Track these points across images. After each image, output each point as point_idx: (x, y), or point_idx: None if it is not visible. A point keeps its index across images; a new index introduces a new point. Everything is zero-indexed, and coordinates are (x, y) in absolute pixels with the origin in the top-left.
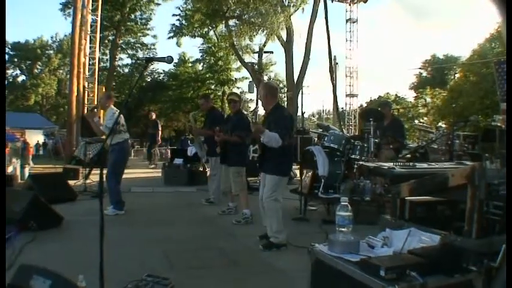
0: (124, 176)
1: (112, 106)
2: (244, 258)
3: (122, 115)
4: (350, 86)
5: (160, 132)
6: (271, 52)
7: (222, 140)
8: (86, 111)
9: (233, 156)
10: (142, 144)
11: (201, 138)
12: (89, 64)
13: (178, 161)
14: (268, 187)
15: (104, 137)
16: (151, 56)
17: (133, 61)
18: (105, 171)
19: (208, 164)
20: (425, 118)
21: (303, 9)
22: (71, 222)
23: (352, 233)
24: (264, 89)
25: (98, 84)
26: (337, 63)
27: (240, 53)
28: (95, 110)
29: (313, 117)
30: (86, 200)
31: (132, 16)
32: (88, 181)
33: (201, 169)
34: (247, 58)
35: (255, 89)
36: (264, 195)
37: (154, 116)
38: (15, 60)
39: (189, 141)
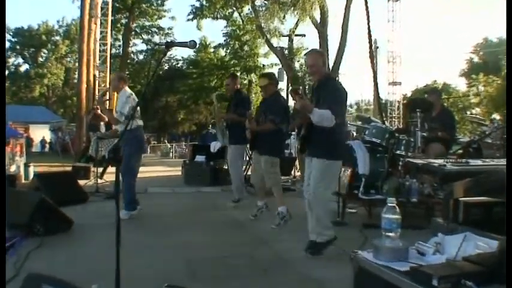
0: (139, 174)
1: (126, 88)
2: (276, 266)
3: (134, 99)
4: (393, 72)
5: None
6: (303, 35)
7: (253, 129)
8: (98, 106)
9: (266, 143)
10: (160, 139)
11: (224, 123)
12: (100, 51)
13: (200, 158)
14: (317, 174)
15: (119, 127)
16: (170, 41)
17: (150, 47)
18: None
19: None
20: (478, 109)
21: None
22: (82, 226)
23: (399, 238)
24: (317, 56)
25: (109, 73)
26: (377, 48)
27: (268, 36)
28: (106, 94)
29: (351, 108)
30: (98, 202)
31: None
32: (100, 181)
33: (226, 167)
34: (276, 42)
35: (285, 76)
36: (311, 183)
37: None
38: (18, 47)
39: (210, 126)
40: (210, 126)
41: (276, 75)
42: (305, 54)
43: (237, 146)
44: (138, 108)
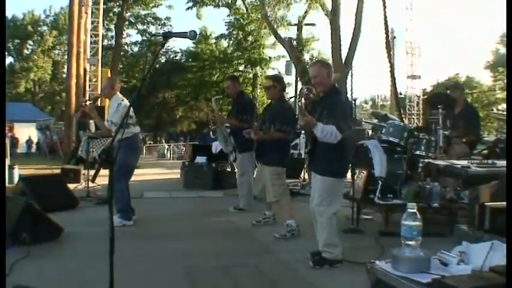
0: (134, 178)
1: (118, 94)
2: (283, 277)
3: (126, 105)
4: (411, 65)
5: None
6: (313, 25)
7: (259, 140)
8: (86, 100)
9: (271, 152)
10: (156, 139)
11: (227, 129)
12: (91, 42)
13: (200, 159)
14: (319, 191)
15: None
16: (167, 31)
17: (145, 38)
18: None
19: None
20: (504, 104)
21: None
22: (72, 234)
23: (420, 247)
24: (321, 67)
25: (101, 67)
26: (395, 38)
27: (275, 26)
28: (97, 100)
29: (366, 104)
30: (89, 208)
31: None
32: (92, 184)
33: (229, 169)
34: (284, 32)
35: (294, 69)
36: (314, 201)
37: None
38: None
39: (211, 132)
40: (211, 132)
41: (284, 68)
42: (309, 66)
43: (245, 154)
44: (133, 114)
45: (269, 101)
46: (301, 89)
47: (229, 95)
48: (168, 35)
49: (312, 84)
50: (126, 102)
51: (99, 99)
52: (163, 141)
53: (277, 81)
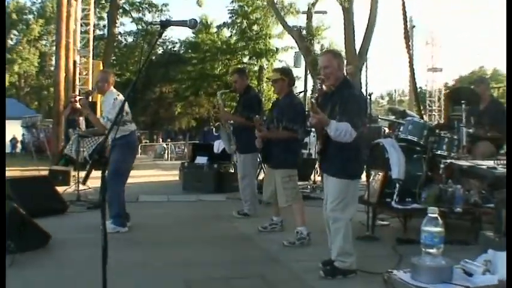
0: (129, 180)
1: (112, 89)
2: None
3: (121, 100)
4: (432, 57)
5: None
6: (325, 12)
7: (264, 137)
8: (76, 95)
9: (280, 153)
10: (153, 137)
11: (231, 127)
12: (81, 32)
13: (201, 159)
14: (333, 194)
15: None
16: (165, 19)
17: (142, 27)
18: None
19: None
20: None
21: None
22: (61, 241)
23: (442, 255)
24: (332, 57)
25: (93, 59)
26: (414, 27)
27: (282, 13)
28: (90, 95)
29: (382, 99)
30: (79, 213)
31: None
32: (82, 187)
33: (232, 170)
34: (292, 21)
35: (303, 61)
36: (328, 206)
37: None
38: None
39: (213, 130)
40: (214, 129)
41: (292, 60)
42: (318, 56)
43: (247, 155)
44: (129, 110)
45: (276, 97)
46: (317, 83)
47: (236, 90)
48: (166, 24)
49: (322, 76)
50: (121, 97)
51: (92, 94)
52: (161, 140)
53: (286, 74)
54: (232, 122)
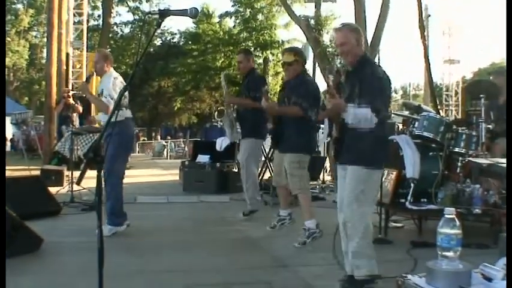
0: (126, 180)
1: (112, 69)
2: None
3: (122, 82)
4: (449, 48)
5: None
6: (334, 1)
7: (275, 113)
8: (68, 90)
9: (291, 136)
10: (151, 134)
11: (234, 112)
12: (74, 23)
13: (202, 158)
14: (352, 186)
15: (102, 117)
16: (164, 8)
17: (139, 17)
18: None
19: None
20: None
21: None
22: (54, 245)
23: (459, 259)
24: (349, 32)
25: (87, 51)
26: (429, 16)
27: (289, 2)
28: (91, 78)
29: (396, 93)
30: (74, 215)
31: None
32: (76, 188)
33: (236, 170)
34: (299, 10)
35: (311, 53)
36: (344, 198)
37: None
38: None
39: (215, 115)
40: (216, 114)
41: None
42: (334, 30)
43: (250, 140)
44: (127, 93)
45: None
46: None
47: (240, 70)
48: (165, 13)
49: (339, 54)
50: (121, 79)
51: (92, 77)
52: (160, 138)
53: (299, 55)
54: (236, 106)
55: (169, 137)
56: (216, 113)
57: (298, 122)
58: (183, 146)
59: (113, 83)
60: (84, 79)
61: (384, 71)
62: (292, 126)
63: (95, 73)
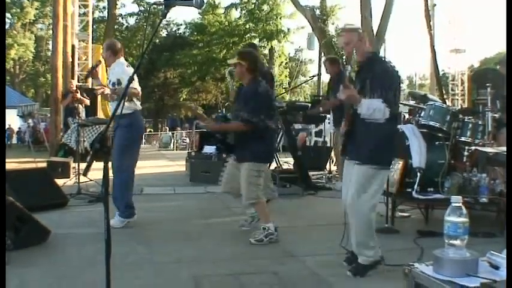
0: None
1: (122, 58)
2: (308, 285)
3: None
4: (455, 38)
5: None
6: None
7: (217, 130)
8: (76, 85)
9: (249, 144)
10: (157, 126)
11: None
12: (80, 14)
13: (209, 148)
14: (357, 183)
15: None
16: None
17: (144, 8)
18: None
19: None
20: None
21: None
22: (61, 237)
23: (466, 247)
24: (349, 32)
25: (92, 43)
26: (435, 5)
27: None
28: (98, 66)
29: (402, 83)
30: (80, 206)
31: None
32: (83, 179)
33: None
34: (305, 0)
35: (317, 43)
36: (349, 193)
37: None
38: None
39: (222, 109)
40: (224, 110)
41: (306, 42)
42: (336, 35)
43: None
44: (138, 86)
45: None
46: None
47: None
48: (170, 4)
49: (345, 55)
50: (131, 68)
51: (98, 66)
52: (167, 129)
53: (244, 58)
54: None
55: (178, 128)
56: (224, 110)
57: (253, 130)
58: (184, 137)
59: (124, 69)
60: (92, 67)
61: (394, 67)
62: (247, 134)
63: (102, 61)
